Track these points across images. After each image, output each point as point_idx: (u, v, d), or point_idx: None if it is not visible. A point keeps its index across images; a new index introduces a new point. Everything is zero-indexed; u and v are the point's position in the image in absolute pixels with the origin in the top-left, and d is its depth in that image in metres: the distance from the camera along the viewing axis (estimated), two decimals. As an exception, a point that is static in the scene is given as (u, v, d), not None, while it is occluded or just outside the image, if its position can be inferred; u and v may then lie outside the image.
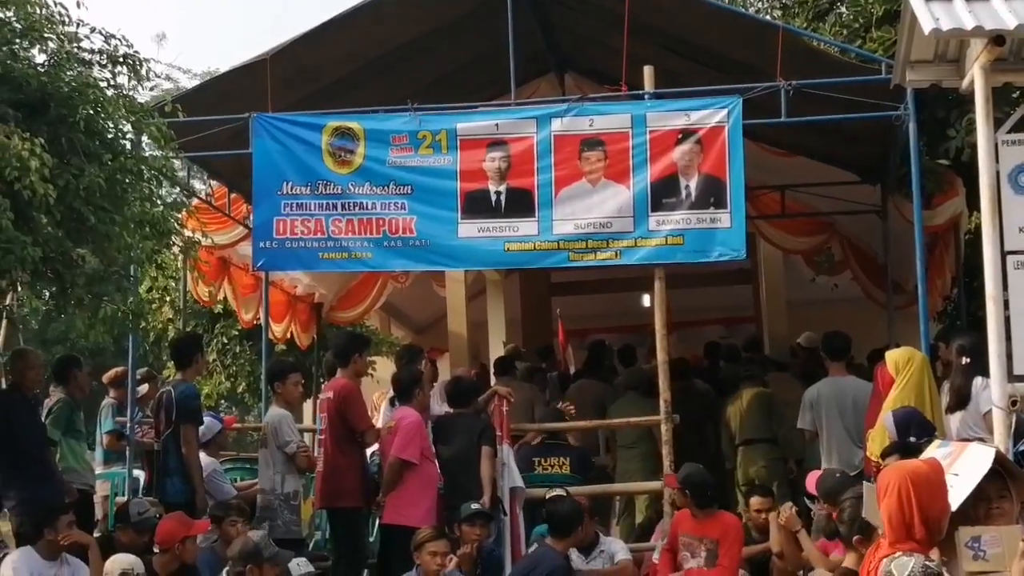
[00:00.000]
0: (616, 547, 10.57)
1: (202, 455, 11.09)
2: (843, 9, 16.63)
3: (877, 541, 5.63)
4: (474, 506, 10.13)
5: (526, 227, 11.76)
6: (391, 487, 10.62)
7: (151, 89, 10.70)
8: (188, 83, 29.90)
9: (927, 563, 5.19)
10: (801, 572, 9.79)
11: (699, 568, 9.95)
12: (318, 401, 11.20)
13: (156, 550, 9.48)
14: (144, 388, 13.16)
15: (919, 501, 5.32)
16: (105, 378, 13.75)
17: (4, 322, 12.24)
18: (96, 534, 10.52)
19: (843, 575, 7.84)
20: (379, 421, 11.97)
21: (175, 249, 12.28)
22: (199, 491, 10.61)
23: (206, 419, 11.78)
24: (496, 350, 17.60)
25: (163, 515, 10.08)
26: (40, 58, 9.03)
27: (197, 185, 16.92)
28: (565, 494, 10.71)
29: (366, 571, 11.69)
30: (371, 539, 11.88)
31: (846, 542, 7.97)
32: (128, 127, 9.59)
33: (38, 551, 9.20)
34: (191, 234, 11.60)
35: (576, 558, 10.15)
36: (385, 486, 10.68)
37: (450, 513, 10.50)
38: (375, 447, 11.39)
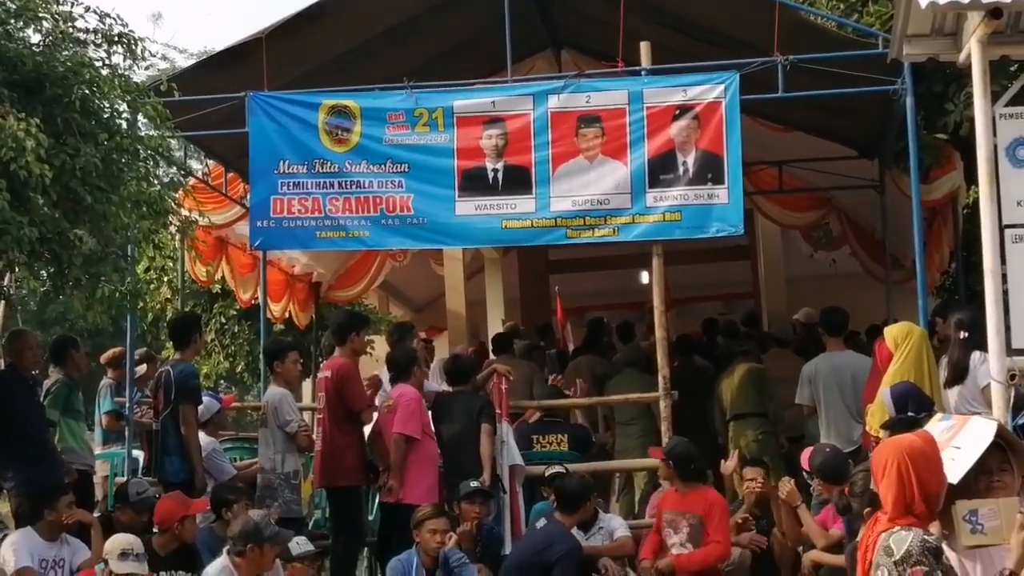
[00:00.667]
0: (615, 523, 10.56)
1: (201, 435, 11.09)
2: (840, -17, 16.59)
3: (875, 515, 5.64)
4: (473, 484, 10.13)
5: (523, 204, 11.74)
6: (399, 464, 10.60)
7: (147, 69, 10.65)
8: (184, 63, 29.78)
9: (925, 537, 5.21)
10: (801, 548, 9.82)
11: (682, 544, 9.94)
12: (317, 380, 11.19)
13: (155, 530, 9.48)
14: (143, 368, 13.16)
15: (918, 476, 5.34)
16: (103, 358, 13.75)
17: (2, 303, 12.23)
18: (96, 514, 10.52)
19: (854, 548, 7.86)
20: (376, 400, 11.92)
21: (172, 229, 12.27)
22: (198, 471, 10.61)
23: (205, 399, 11.78)
24: (494, 328, 17.61)
25: (162, 495, 10.08)
26: (35, 38, 9.02)
27: (194, 165, 16.89)
28: (564, 471, 10.72)
29: (365, 549, 11.72)
30: (371, 517, 11.89)
31: (857, 515, 7.98)
32: (124, 107, 9.58)
33: (38, 531, 9.21)
34: (188, 214, 11.59)
35: (575, 534, 10.15)
36: (393, 465, 10.66)
37: (450, 491, 10.50)
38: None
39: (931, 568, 5.17)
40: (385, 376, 11.77)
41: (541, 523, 10.18)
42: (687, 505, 10.03)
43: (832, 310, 12.12)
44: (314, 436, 11.09)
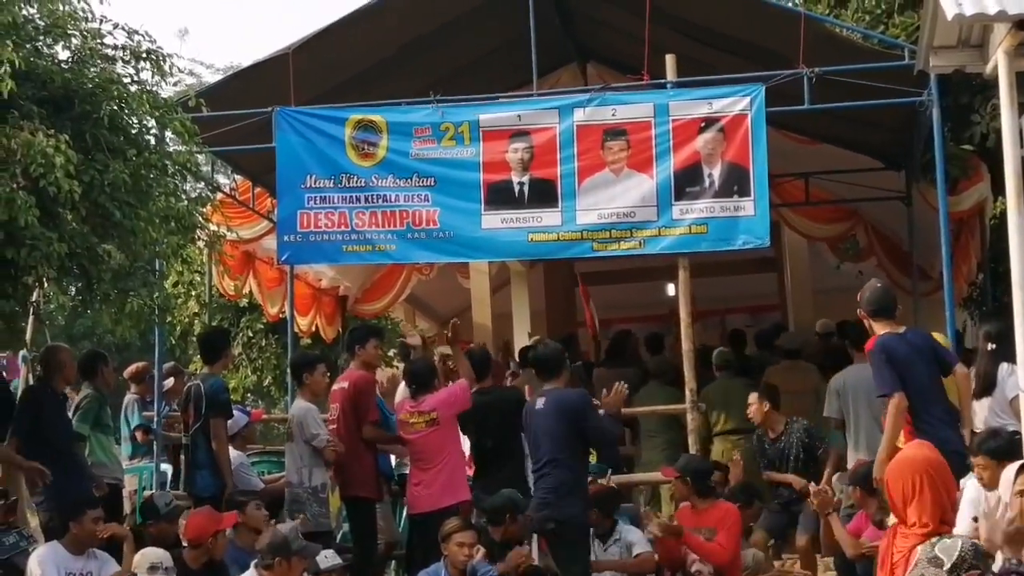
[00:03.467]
0: (634, 537, 10.34)
1: (229, 449, 11.09)
2: (866, -6, 16.56)
3: (892, 529, 5.67)
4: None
5: (549, 217, 11.79)
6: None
7: (174, 84, 10.74)
8: (210, 78, 29.79)
9: (974, 541, 5.27)
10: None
11: (700, 560, 9.99)
12: (331, 391, 11.13)
13: (184, 545, 9.50)
14: (170, 382, 13.20)
15: (946, 486, 5.41)
16: (127, 373, 13.78)
17: (31, 318, 12.29)
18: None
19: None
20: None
21: (200, 244, 12.32)
22: (229, 485, 10.60)
23: (234, 412, 11.78)
24: (521, 341, 17.57)
25: (192, 508, 10.11)
26: (64, 55, 9.10)
27: (221, 180, 16.94)
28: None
29: (392, 562, 11.70)
30: (400, 528, 11.87)
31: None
32: (152, 122, 9.63)
33: (65, 545, 9.22)
34: (216, 228, 11.63)
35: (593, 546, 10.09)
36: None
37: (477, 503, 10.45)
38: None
39: (983, 570, 5.22)
40: (402, 389, 11.70)
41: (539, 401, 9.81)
42: (703, 520, 10.07)
43: (857, 324, 12.05)
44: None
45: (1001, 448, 7.75)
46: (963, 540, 5.29)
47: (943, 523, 5.45)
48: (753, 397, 11.68)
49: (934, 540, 5.34)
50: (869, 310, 9.23)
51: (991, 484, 7.61)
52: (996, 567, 5.49)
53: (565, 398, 9.48)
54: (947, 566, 5.22)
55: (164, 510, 10.00)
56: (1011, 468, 6.20)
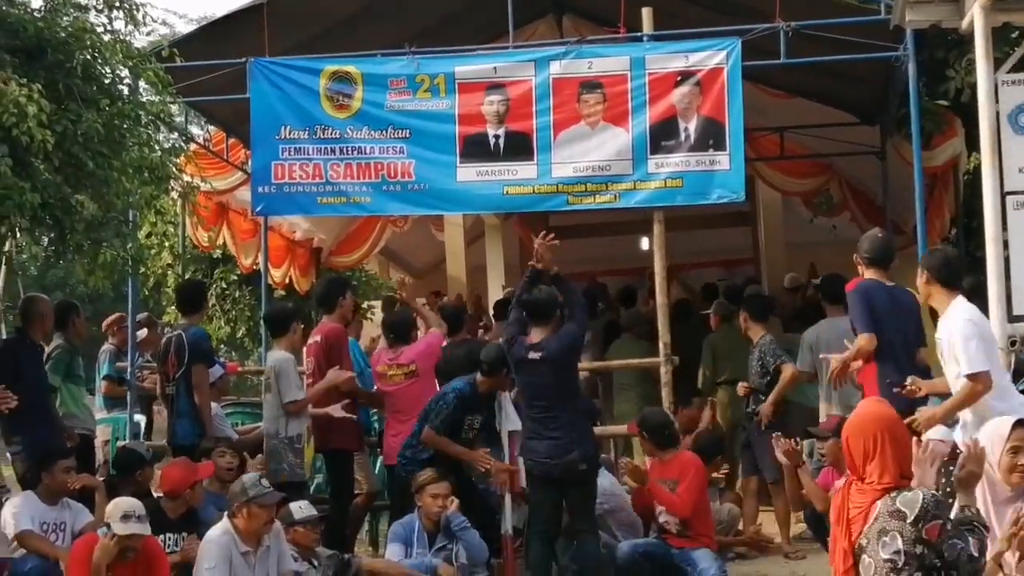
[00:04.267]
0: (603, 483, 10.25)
1: (207, 399, 11.08)
2: (842, -52, 16.52)
3: (847, 483, 5.72)
4: None
5: (525, 170, 11.77)
6: None
7: (148, 34, 10.63)
8: (184, 28, 29.68)
9: (933, 492, 5.34)
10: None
11: (667, 511, 10.03)
12: (306, 346, 11.09)
13: (158, 495, 9.52)
14: (143, 333, 13.16)
15: (905, 441, 5.49)
16: (104, 324, 13.77)
17: (3, 268, 12.20)
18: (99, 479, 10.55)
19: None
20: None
21: (174, 194, 12.28)
22: (209, 431, 10.60)
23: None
24: (495, 294, 17.59)
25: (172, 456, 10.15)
26: (37, 3, 9.04)
27: (195, 130, 16.85)
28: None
29: (367, 513, 11.71)
30: (376, 474, 11.88)
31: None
32: (125, 72, 9.59)
33: (39, 495, 9.24)
34: (190, 179, 11.59)
35: None
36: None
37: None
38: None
39: (945, 520, 5.29)
40: (381, 342, 11.72)
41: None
42: (666, 472, 10.11)
43: (831, 279, 12.07)
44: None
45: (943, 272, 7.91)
46: (924, 492, 5.36)
47: (902, 477, 5.50)
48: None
49: (894, 494, 5.39)
50: (865, 257, 9.22)
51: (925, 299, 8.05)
52: (952, 513, 5.55)
53: (561, 346, 9.53)
54: (910, 519, 5.28)
55: (148, 456, 10.06)
56: (1006, 423, 6.18)
